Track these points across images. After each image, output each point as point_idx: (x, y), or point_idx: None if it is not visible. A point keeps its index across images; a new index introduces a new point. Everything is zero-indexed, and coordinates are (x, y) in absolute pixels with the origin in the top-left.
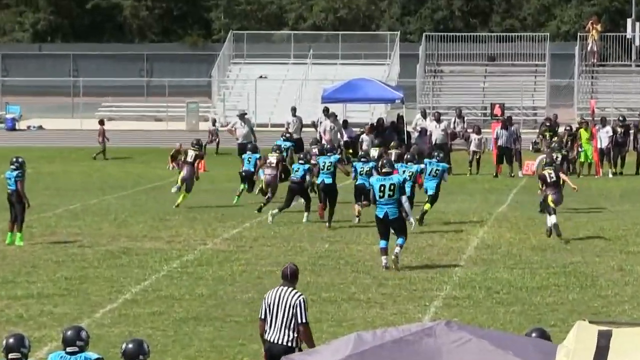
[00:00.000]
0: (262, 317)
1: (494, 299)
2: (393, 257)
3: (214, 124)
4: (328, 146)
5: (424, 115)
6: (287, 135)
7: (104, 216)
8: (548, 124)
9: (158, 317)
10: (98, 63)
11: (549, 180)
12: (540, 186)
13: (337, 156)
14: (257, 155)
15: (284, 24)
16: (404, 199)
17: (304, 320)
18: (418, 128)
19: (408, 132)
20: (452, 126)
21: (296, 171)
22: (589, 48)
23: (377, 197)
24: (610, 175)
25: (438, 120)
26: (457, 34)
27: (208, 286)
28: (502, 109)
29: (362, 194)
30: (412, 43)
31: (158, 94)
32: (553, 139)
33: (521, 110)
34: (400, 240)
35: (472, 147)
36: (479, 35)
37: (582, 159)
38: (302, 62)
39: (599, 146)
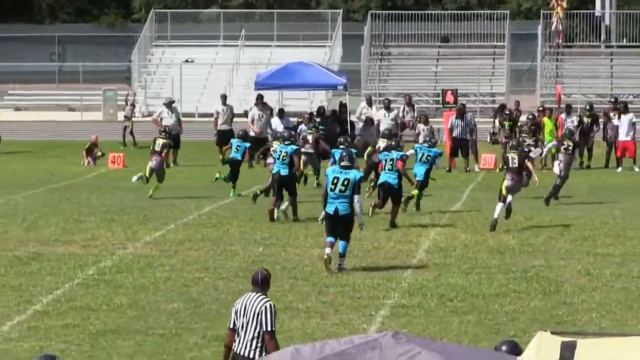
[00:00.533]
0: (231, 326)
1: (447, 307)
2: (336, 269)
3: (130, 104)
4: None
5: (370, 103)
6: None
7: (10, 218)
8: (507, 112)
9: (72, 329)
10: (3, 46)
11: (510, 165)
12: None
13: (295, 146)
14: (247, 144)
15: (212, 1)
16: (356, 198)
17: (268, 329)
18: (363, 117)
19: (352, 122)
20: (400, 115)
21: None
22: (553, 27)
23: (328, 190)
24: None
25: (387, 109)
26: (407, 12)
27: (128, 295)
28: (455, 95)
29: None
30: (356, 22)
31: (71, 81)
32: (519, 129)
33: (478, 97)
34: (342, 248)
35: (421, 139)
36: (431, 13)
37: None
38: (233, 44)
39: None
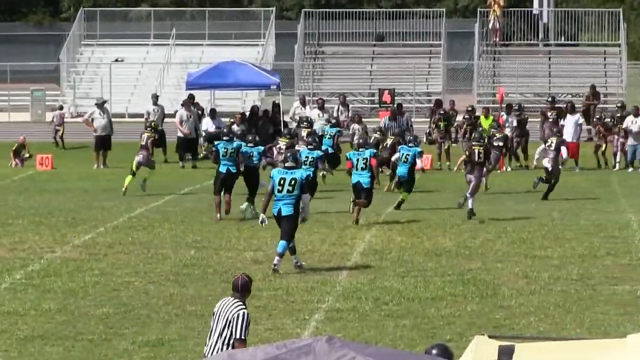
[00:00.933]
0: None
1: (382, 311)
2: (272, 268)
3: (61, 109)
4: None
5: (303, 103)
6: (333, 120)
7: None
8: (442, 112)
9: (0, 335)
10: None
11: (475, 159)
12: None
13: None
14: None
15: None
16: (304, 197)
17: (238, 336)
18: (296, 117)
19: (285, 122)
20: (335, 115)
21: (250, 156)
22: (490, 25)
23: (275, 192)
24: (509, 169)
25: (321, 108)
26: (341, 10)
27: (57, 300)
28: (392, 95)
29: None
30: (289, 21)
31: None
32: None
33: (414, 96)
34: (281, 248)
35: (355, 139)
36: (366, 11)
37: None
38: (164, 42)
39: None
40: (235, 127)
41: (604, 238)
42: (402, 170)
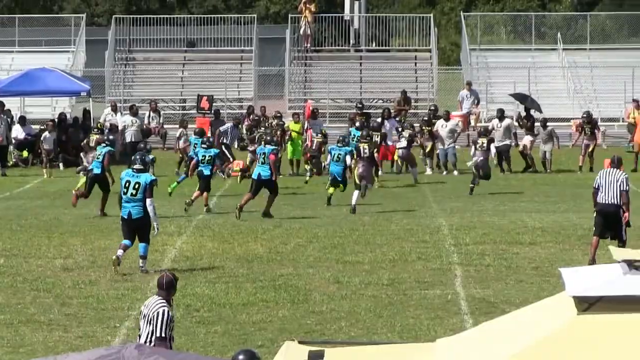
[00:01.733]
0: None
1: (193, 317)
2: (140, 270)
3: None
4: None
5: (115, 110)
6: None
7: None
8: (256, 117)
9: None
10: None
11: (362, 155)
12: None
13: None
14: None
15: None
16: (148, 201)
17: (157, 334)
18: (107, 124)
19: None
20: (146, 121)
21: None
22: (301, 31)
23: (122, 194)
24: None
25: (135, 115)
26: (152, 16)
27: None
28: (210, 102)
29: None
30: (100, 27)
31: None
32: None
33: (225, 102)
34: (141, 250)
35: (181, 144)
36: (177, 17)
37: (289, 156)
38: None
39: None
40: (47, 135)
41: (415, 243)
42: (336, 170)
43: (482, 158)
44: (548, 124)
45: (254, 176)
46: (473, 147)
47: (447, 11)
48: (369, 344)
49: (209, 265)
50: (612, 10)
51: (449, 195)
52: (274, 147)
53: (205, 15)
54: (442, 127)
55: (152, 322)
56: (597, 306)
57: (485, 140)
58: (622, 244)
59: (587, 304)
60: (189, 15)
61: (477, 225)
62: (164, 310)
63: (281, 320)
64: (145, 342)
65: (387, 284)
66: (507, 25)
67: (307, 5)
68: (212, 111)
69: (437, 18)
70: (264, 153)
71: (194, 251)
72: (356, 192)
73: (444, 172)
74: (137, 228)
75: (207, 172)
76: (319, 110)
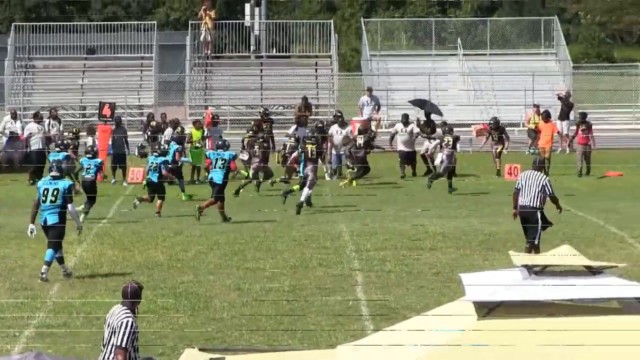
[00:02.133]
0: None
1: (94, 325)
2: (40, 277)
3: None
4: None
5: (15, 117)
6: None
7: None
8: (154, 124)
9: None
10: None
11: (309, 156)
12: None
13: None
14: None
15: None
16: (70, 207)
17: (118, 343)
18: (7, 132)
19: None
20: (46, 129)
21: (87, 168)
22: (202, 38)
23: (40, 202)
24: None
25: (40, 122)
26: (51, 23)
27: None
28: (112, 109)
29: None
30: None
31: None
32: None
33: (126, 109)
34: (48, 256)
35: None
36: (77, 24)
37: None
38: None
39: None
40: None
41: (316, 249)
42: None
43: (447, 154)
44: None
45: (209, 179)
46: (439, 145)
47: (348, 17)
48: (270, 351)
49: (110, 273)
50: (512, 15)
51: (350, 201)
52: (233, 153)
53: (105, 22)
54: (336, 133)
55: (116, 332)
56: (497, 311)
57: (451, 138)
58: (534, 248)
59: (487, 309)
60: (88, 23)
61: (378, 231)
62: (127, 321)
63: (182, 327)
64: (107, 350)
65: (288, 291)
66: (408, 31)
67: (208, 12)
68: (114, 118)
69: (338, 24)
70: (224, 159)
71: (94, 259)
72: (306, 190)
73: (335, 177)
74: (50, 234)
75: (154, 179)
76: (220, 117)
